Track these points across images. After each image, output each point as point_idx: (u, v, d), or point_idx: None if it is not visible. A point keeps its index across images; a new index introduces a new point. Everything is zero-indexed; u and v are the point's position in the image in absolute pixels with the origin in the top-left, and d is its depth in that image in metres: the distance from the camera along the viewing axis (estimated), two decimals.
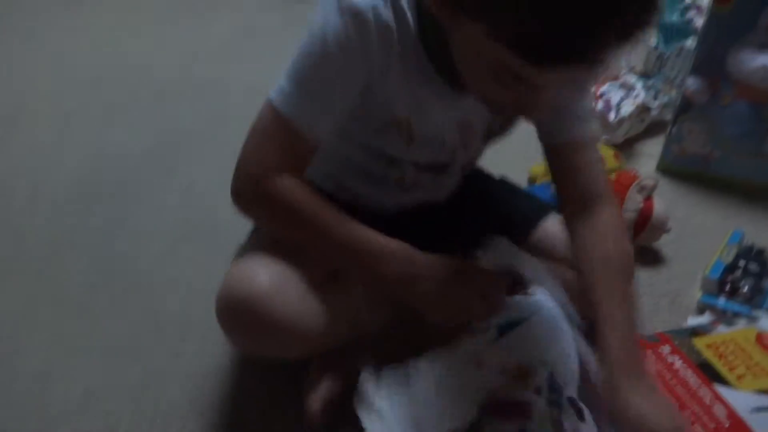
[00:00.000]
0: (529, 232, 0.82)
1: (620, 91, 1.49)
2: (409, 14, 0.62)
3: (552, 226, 0.82)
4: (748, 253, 1.04)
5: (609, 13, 0.46)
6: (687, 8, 1.91)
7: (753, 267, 1.01)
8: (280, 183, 0.66)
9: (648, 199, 1.08)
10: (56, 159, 1.32)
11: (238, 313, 0.68)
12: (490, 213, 0.86)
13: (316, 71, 0.64)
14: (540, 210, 0.85)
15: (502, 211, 0.87)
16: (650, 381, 0.65)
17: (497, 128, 0.80)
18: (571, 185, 0.76)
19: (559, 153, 0.75)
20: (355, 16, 0.60)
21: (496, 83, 0.56)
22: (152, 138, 1.41)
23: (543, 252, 0.78)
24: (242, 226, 1.10)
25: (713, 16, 1.20)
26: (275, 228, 0.72)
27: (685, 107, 1.30)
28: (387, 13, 0.61)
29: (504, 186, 0.94)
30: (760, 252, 1.04)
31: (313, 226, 0.67)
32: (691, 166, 1.34)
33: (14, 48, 1.85)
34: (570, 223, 0.75)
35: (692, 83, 1.26)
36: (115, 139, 1.40)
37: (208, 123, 1.48)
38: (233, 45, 1.96)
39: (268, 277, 0.67)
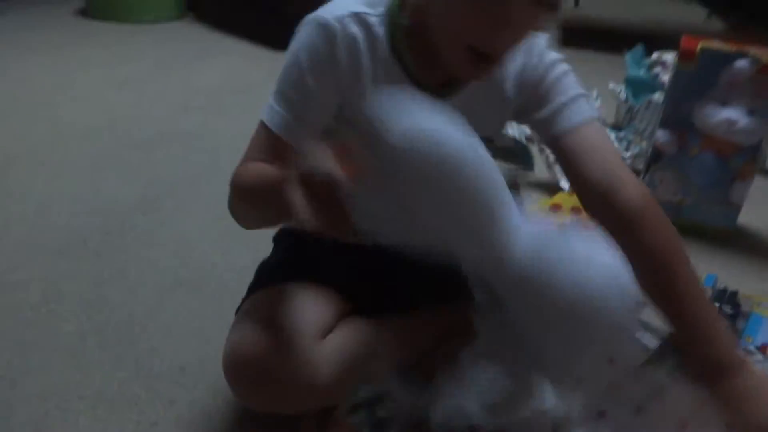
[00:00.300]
0: None
1: None
2: (377, 29, 0.69)
3: None
4: (722, 296, 1.09)
5: None
6: (653, 64, 2.03)
7: (727, 309, 1.05)
8: (238, 168, 0.72)
9: None
10: (47, 209, 1.33)
11: (245, 371, 0.69)
12: None
13: (293, 83, 0.71)
14: None
15: None
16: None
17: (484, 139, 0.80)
18: (582, 181, 0.72)
19: (560, 147, 0.74)
20: (323, 28, 0.68)
21: (474, 9, 0.60)
22: (142, 188, 1.44)
23: None
24: (233, 273, 1.13)
25: (679, 73, 1.29)
26: (239, 208, 0.73)
27: (655, 157, 1.37)
28: (353, 26, 0.68)
29: None
30: (734, 294, 1.09)
31: (244, 185, 0.69)
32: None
33: (3, 100, 1.88)
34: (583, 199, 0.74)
35: (661, 135, 1.33)
36: (106, 190, 1.42)
37: (196, 174, 1.51)
38: (220, 97, 2.02)
39: (275, 334, 0.68)
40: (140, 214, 1.33)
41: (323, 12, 0.69)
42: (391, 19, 0.69)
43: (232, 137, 1.70)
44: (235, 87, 2.11)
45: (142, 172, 1.52)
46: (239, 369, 0.69)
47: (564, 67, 0.75)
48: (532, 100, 0.75)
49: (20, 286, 1.10)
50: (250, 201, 0.70)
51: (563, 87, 0.74)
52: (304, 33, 0.70)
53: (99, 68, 2.22)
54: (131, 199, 1.39)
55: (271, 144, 0.71)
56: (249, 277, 0.86)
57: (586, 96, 0.75)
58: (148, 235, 1.27)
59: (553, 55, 0.75)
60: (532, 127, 0.78)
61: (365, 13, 0.69)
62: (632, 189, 0.70)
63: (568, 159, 0.73)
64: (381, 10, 0.70)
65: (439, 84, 0.71)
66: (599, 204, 0.71)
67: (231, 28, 2.73)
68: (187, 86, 2.10)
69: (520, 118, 0.79)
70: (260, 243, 0.93)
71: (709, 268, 1.20)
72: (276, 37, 2.56)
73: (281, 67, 0.73)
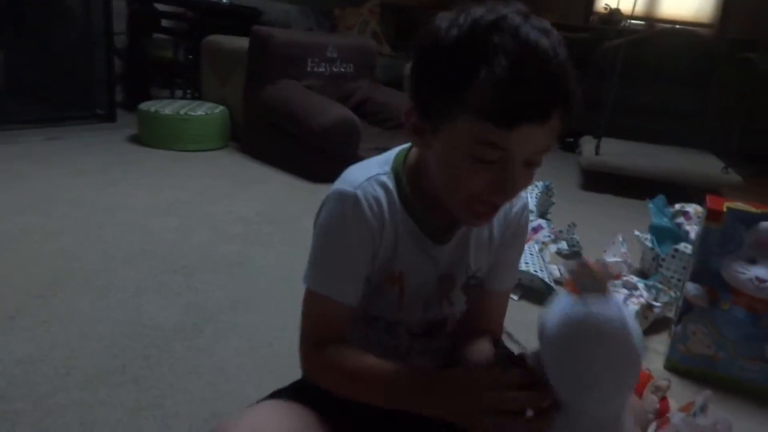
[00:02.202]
0: None
1: (623, 290, 1.60)
2: (393, 188, 0.79)
3: None
4: None
5: (548, 87, 0.65)
6: (676, 214, 2.10)
7: None
8: (326, 353, 0.78)
9: (663, 399, 1.13)
10: (90, 332, 1.37)
11: None
12: None
13: (330, 251, 0.78)
14: None
15: None
16: None
17: (476, 277, 0.89)
18: (477, 320, 0.90)
19: (478, 294, 0.89)
20: (345, 197, 0.76)
21: (475, 165, 0.69)
22: (181, 314, 1.48)
23: None
24: None
25: (706, 231, 1.34)
26: (338, 389, 0.77)
27: (687, 309, 1.39)
28: (375, 189, 0.77)
29: None
30: None
31: (365, 381, 0.75)
32: (697, 366, 1.39)
33: (57, 221, 1.98)
34: (461, 333, 0.90)
35: (692, 289, 1.36)
36: (147, 314, 1.46)
37: (234, 302, 1.55)
38: (258, 227, 2.11)
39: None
40: (178, 341, 1.36)
41: (341, 185, 0.78)
42: (397, 175, 0.80)
43: (269, 267, 1.77)
44: (273, 217, 2.21)
45: (181, 297, 1.56)
46: None
47: (527, 228, 0.92)
48: (503, 242, 0.88)
49: (58, 411, 1.11)
50: (388, 396, 0.74)
51: (520, 244, 0.92)
52: (330, 206, 0.78)
53: (146, 193, 2.35)
54: (170, 325, 1.42)
55: (323, 308, 0.78)
56: None
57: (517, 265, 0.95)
58: (186, 363, 1.29)
59: (528, 212, 0.92)
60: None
61: (379, 174, 0.79)
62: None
63: (475, 303, 0.90)
64: (388, 168, 0.80)
65: (441, 229, 0.82)
66: (470, 332, 0.89)
67: (269, 159, 2.91)
68: (227, 214, 2.21)
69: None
70: (295, 377, 0.94)
71: (748, 426, 1.18)
72: (312, 170, 2.72)
73: (315, 237, 0.81)
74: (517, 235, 0.89)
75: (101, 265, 1.70)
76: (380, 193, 0.77)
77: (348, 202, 0.76)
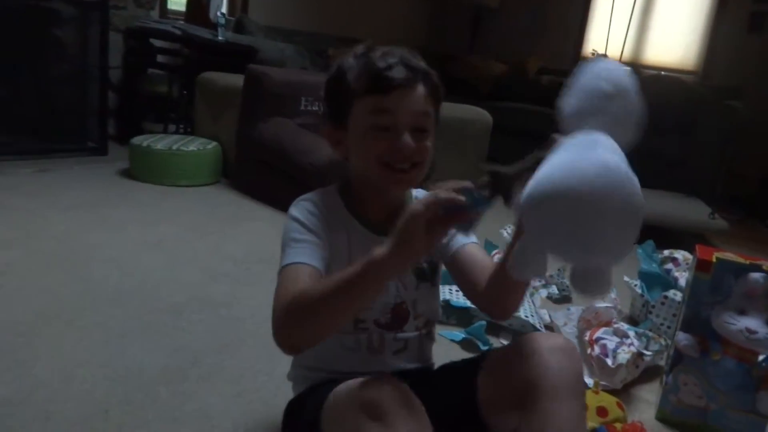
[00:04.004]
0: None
1: (614, 337, 1.59)
2: (334, 193, 1.04)
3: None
4: None
5: (405, 64, 0.94)
6: (665, 260, 2.11)
7: None
8: (292, 296, 0.86)
9: None
10: (72, 375, 1.33)
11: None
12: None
13: (294, 234, 0.96)
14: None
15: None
16: None
17: (424, 265, 1.06)
18: (472, 285, 1.03)
19: (455, 262, 1.04)
20: (307, 200, 1.01)
21: (375, 134, 0.93)
22: (166, 356, 1.45)
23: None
24: None
25: (696, 281, 1.35)
26: (309, 326, 0.84)
27: (678, 359, 1.39)
28: (319, 197, 1.03)
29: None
30: None
31: (323, 299, 0.82)
32: (689, 417, 1.38)
33: (42, 257, 1.96)
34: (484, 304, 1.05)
35: (682, 339, 1.36)
36: (131, 356, 1.43)
37: (221, 345, 1.53)
38: (247, 265, 2.09)
39: None
40: (163, 385, 1.33)
41: (305, 196, 1.03)
42: (338, 190, 1.05)
43: (257, 307, 1.75)
44: (262, 256, 2.19)
45: (167, 338, 1.53)
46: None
47: None
48: None
49: None
50: (347, 290, 0.81)
51: None
52: (296, 207, 1.01)
53: (135, 228, 2.33)
54: (155, 368, 1.39)
55: (293, 274, 0.91)
56: None
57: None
58: (170, 408, 1.26)
59: None
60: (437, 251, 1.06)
61: (327, 190, 1.05)
62: None
63: (459, 273, 1.05)
64: (331, 188, 1.06)
65: (380, 222, 1.00)
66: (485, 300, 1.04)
67: (260, 196, 2.91)
68: (216, 251, 2.19)
69: None
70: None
71: None
72: None
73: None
74: None
75: (86, 303, 1.68)
76: (325, 199, 1.02)
77: (308, 203, 1.01)
